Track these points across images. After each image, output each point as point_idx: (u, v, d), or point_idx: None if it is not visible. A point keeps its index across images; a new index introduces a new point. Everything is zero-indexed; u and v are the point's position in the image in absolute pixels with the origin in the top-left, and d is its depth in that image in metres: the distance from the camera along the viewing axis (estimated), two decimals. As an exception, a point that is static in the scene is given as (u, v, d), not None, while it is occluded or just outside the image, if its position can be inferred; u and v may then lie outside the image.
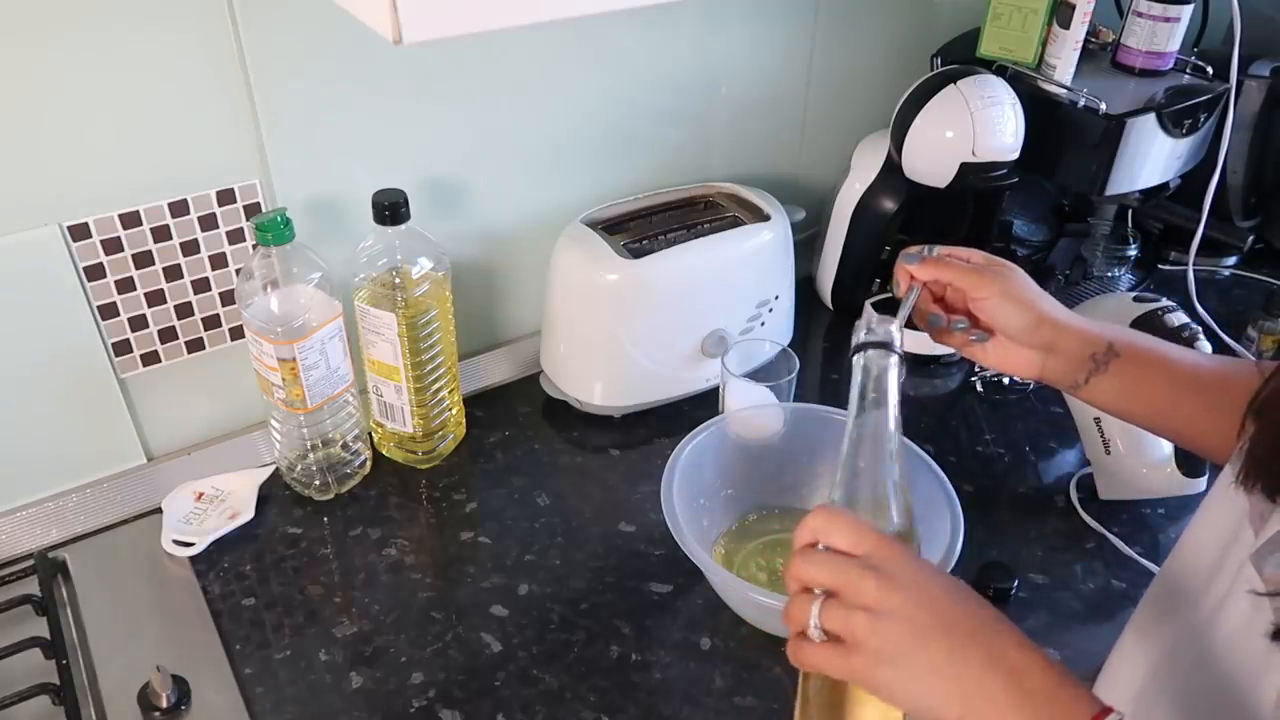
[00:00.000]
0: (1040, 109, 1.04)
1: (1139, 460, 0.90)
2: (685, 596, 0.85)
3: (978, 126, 0.99)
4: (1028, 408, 1.05)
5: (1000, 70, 1.09)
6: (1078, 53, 1.06)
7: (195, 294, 0.89)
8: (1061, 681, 0.46)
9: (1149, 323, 0.92)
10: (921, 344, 0.85)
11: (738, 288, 1.03)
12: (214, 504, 0.91)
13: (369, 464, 0.96)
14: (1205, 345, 0.91)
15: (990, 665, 0.46)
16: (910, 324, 0.69)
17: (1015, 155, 1.02)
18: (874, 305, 0.66)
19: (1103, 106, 1.02)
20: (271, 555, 0.88)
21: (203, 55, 0.80)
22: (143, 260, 0.85)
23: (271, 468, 0.94)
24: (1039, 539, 0.91)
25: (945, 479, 0.81)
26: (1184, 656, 0.58)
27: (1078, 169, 1.07)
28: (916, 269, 0.70)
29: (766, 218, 1.03)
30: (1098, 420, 0.91)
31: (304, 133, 0.87)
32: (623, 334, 0.98)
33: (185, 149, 0.83)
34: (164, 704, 0.73)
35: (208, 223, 0.86)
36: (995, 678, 0.46)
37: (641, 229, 1.01)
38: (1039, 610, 0.84)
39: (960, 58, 1.12)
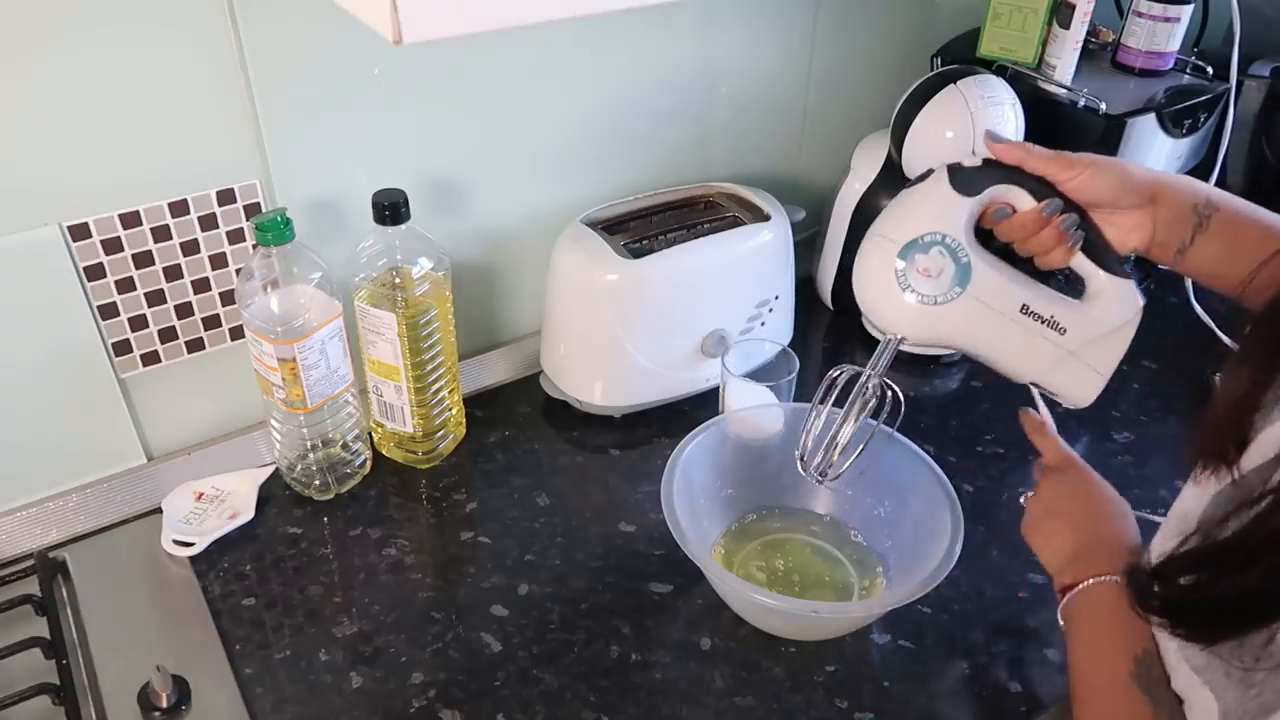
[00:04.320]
0: (1040, 109, 1.04)
1: (1103, 301, 0.69)
2: (685, 596, 0.85)
3: (978, 126, 0.99)
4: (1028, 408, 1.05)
5: (1000, 70, 1.09)
6: (1078, 53, 1.06)
7: (195, 294, 0.89)
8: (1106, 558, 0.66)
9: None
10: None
11: (738, 288, 1.03)
12: (214, 504, 0.91)
13: (369, 464, 0.96)
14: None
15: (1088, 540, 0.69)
16: (988, 240, 0.67)
17: (1015, 155, 1.02)
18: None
19: (1103, 106, 1.02)
20: (271, 555, 0.88)
21: (203, 55, 0.80)
22: (143, 260, 0.85)
23: (271, 468, 0.94)
24: (1039, 539, 0.91)
25: (945, 479, 0.81)
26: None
27: (1078, 169, 1.07)
28: (1002, 149, 0.67)
29: (766, 218, 1.03)
30: (1031, 313, 0.68)
31: (304, 133, 0.87)
32: (623, 334, 0.98)
33: (185, 149, 0.83)
34: (164, 704, 0.73)
35: (208, 223, 0.86)
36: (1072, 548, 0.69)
37: (641, 229, 1.01)
38: (1040, 610, 0.84)
39: (960, 58, 1.12)
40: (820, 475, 0.76)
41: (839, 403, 0.75)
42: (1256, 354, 0.52)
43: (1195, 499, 0.57)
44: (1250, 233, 0.66)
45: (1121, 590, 0.62)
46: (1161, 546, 0.64)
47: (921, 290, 0.66)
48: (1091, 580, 0.66)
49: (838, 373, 0.75)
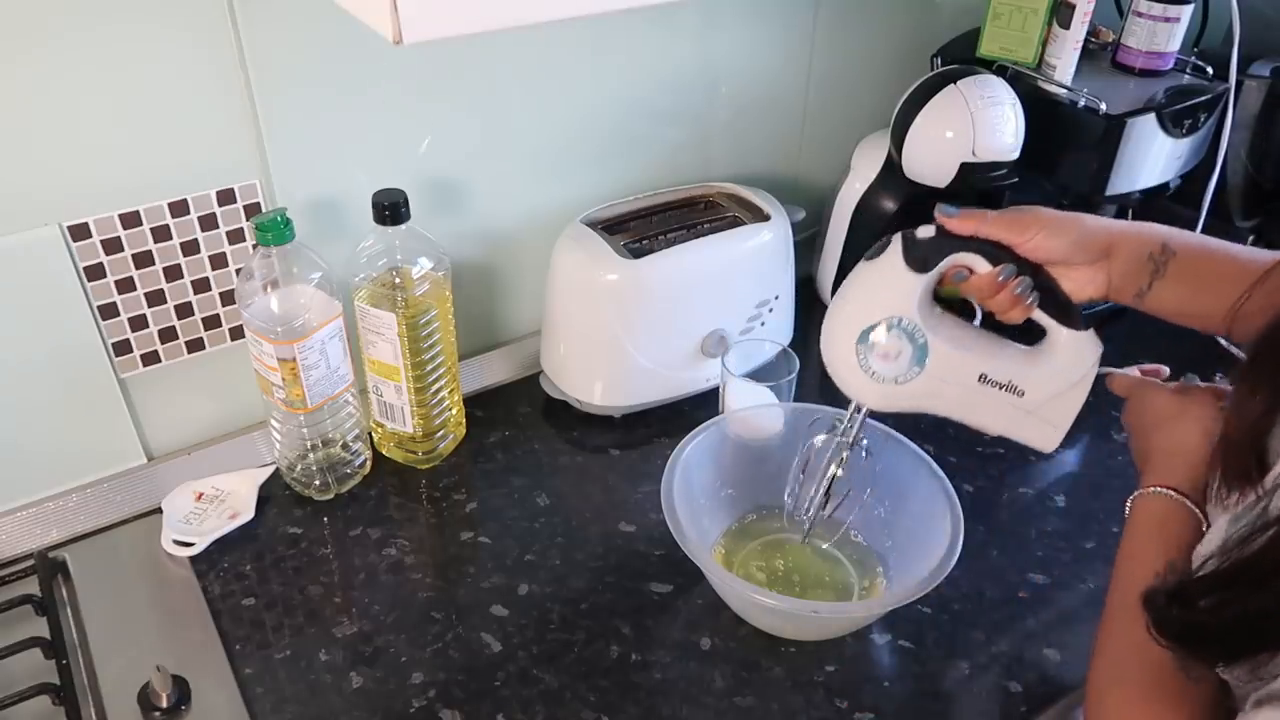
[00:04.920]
0: (1040, 109, 1.04)
1: (1061, 356, 0.71)
2: (685, 596, 0.85)
3: (978, 126, 0.99)
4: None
5: (1000, 70, 1.09)
6: (1078, 53, 1.06)
7: (195, 294, 0.89)
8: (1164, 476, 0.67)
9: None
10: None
11: (738, 288, 1.03)
12: (214, 504, 0.91)
13: (369, 464, 0.96)
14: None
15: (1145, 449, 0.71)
16: (952, 306, 0.69)
17: (1015, 155, 1.02)
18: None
19: (1103, 106, 1.02)
20: (271, 555, 0.88)
21: (203, 55, 0.80)
22: (143, 260, 0.85)
23: (271, 468, 0.94)
24: (1039, 539, 0.91)
25: (945, 479, 0.81)
26: None
27: (1078, 169, 1.07)
28: (955, 223, 0.68)
29: (766, 218, 1.03)
30: (990, 381, 0.71)
31: (304, 133, 0.87)
32: (623, 334, 0.98)
33: (185, 149, 0.83)
34: (164, 704, 0.74)
35: (208, 223, 0.86)
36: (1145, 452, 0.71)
37: (641, 229, 1.01)
38: (1040, 610, 0.84)
39: (960, 58, 1.12)
40: (808, 528, 0.83)
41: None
42: (1269, 373, 0.53)
43: (1222, 521, 0.58)
44: (1211, 272, 0.68)
45: (1164, 500, 0.65)
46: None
47: (882, 371, 0.68)
48: (1140, 493, 0.68)
49: (807, 448, 0.81)
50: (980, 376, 0.69)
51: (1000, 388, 0.69)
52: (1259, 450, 0.54)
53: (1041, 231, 0.67)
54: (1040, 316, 0.69)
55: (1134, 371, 0.78)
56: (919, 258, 0.67)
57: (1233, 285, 0.66)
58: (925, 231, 0.68)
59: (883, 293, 0.68)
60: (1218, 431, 0.64)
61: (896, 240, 0.68)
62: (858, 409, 0.75)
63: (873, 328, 0.67)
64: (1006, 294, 0.68)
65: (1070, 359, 0.69)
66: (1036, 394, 0.69)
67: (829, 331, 0.71)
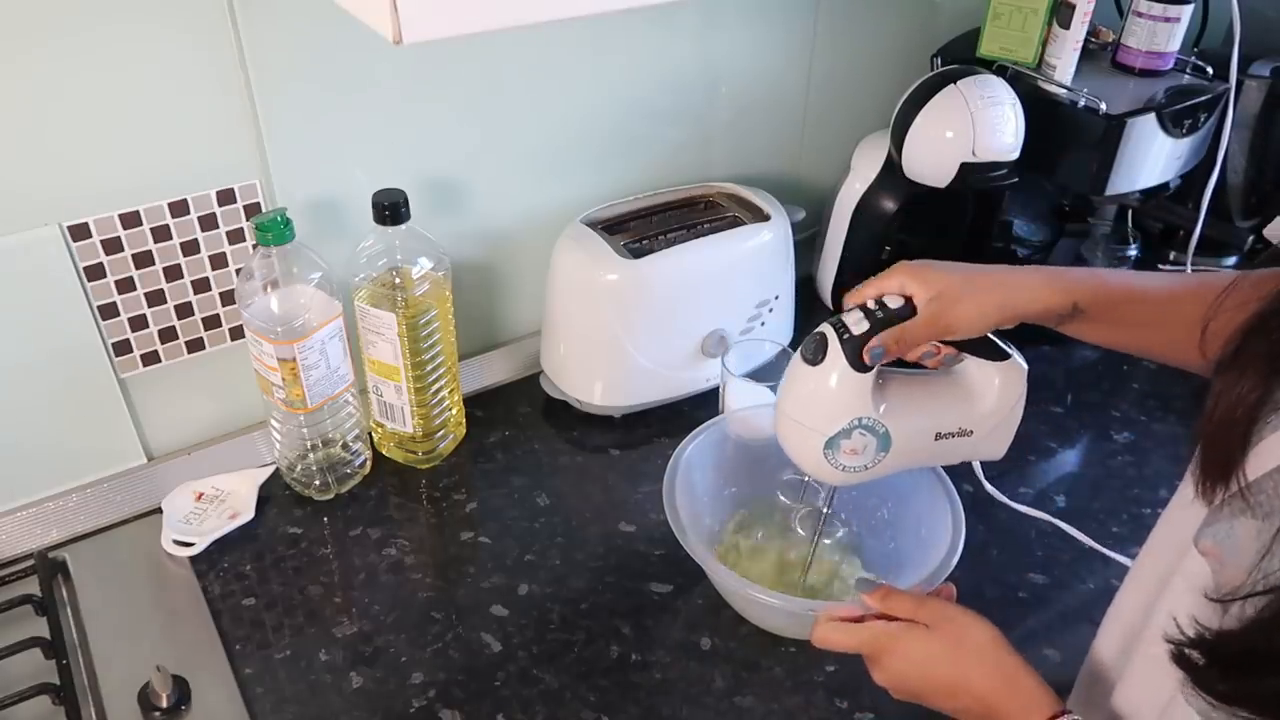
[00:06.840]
0: (1040, 109, 1.04)
1: (995, 389, 0.74)
2: (685, 596, 0.85)
3: (978, 126, 0.99)
4: (1026, 409, 1.05)
5: (1000, 70, 1.09)
6: (1078, 53, 1.06)
7: (195, 294, 0.89)
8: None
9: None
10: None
11: (738, 288, 1.03)
12: (214, 504, 0.91)
13: (369, 464, 0.96)
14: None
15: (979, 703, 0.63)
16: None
17: (1015, 155, 1.02)
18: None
19: (1103, 106, 1.02)
20: (271, 555, 0.88)
21: (203, 55, 0.80)
22: (143, 260, 0.85)
23: (271, 468, 0.94)
24: (1039, 538, 0.91)
25: (946, 479, 0.81)
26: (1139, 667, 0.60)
27: (1078, 169, 1.07)
28: (888, 352, 0.68)
29: (766, 218, 1.03)
30: (944, 435, 0.75)
31: (304, 133, 0.87)
32: (623, 334, 0.98)
33: (185, 149, 0.83)
34: (164, 704, 0.74)
35: (208, 223, 0.86)
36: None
37: (641, 229, 1.01)
38: (1039, 610, 0.84)
39: (960, 58, 1.12)
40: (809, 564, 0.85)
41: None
42: (1258, 364, 0.52)
43: (1191, 521, 0.56)
44: (1123, 318, 0.70)
45: None
46: (1152, 567, 0.62)
47: (852, 465, 0.72)
48: None
49: (802, 511, 0.86)
50: (936, 435, 0.73)
51: (954, 436, 0.73)
52: (1246, 442, 0.53)
53: (960, 326, 0.68)
54: (970, 362, 0.73)
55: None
56: (862, 360, 0.69)
57: (1145, 325, 0.68)
58: (859, 326, 0.69)
59: (838, 401, 0.70)
60: (998, 633, 0.63)
61: (833, 340, 0.69)
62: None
63: (840, 431, 0.70)
64: (936, 363, 0.73)
65: (1004, 388, 0.73)
66: (984, 427, 0.73)
67: (789, 441, 0.73)
